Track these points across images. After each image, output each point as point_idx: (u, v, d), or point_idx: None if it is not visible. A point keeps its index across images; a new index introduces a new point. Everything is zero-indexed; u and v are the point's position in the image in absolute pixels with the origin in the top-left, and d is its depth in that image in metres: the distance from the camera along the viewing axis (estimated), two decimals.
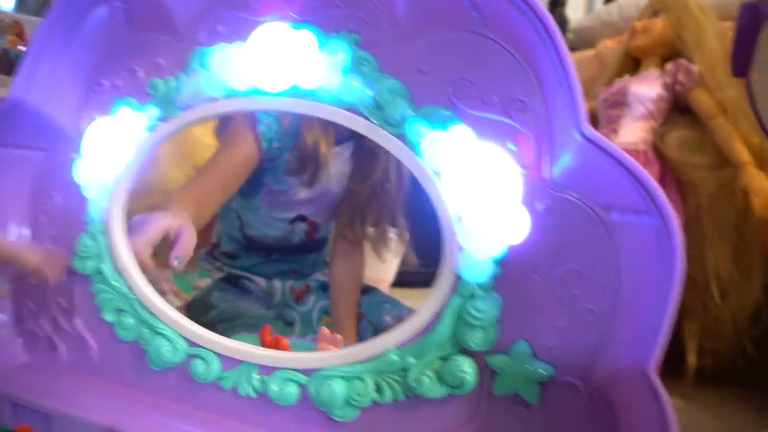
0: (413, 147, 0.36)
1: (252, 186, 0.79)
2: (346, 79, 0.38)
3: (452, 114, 0.35)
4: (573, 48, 1.77)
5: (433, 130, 0.35)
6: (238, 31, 0.42)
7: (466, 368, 0.34)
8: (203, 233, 0.98)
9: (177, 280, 0.82)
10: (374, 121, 0.37)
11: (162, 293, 0.47)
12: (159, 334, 0.45)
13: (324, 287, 0.83)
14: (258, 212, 0.82)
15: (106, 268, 0.47)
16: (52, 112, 0.47)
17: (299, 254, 0.88)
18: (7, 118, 0.46)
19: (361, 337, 0.77)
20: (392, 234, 0.96)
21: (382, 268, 1.22)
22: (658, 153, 1.14)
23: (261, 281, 0.84)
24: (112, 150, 0.46)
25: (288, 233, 0.82)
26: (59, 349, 0.49)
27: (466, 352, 0.35)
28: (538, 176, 0.33)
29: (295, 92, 0.39)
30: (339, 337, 0.50)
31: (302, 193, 0.81)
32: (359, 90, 0.37)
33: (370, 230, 0.84)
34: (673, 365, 1.24)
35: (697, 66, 1.13)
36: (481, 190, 0.34)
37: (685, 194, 1.12)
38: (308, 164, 0.78)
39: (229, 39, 0.42)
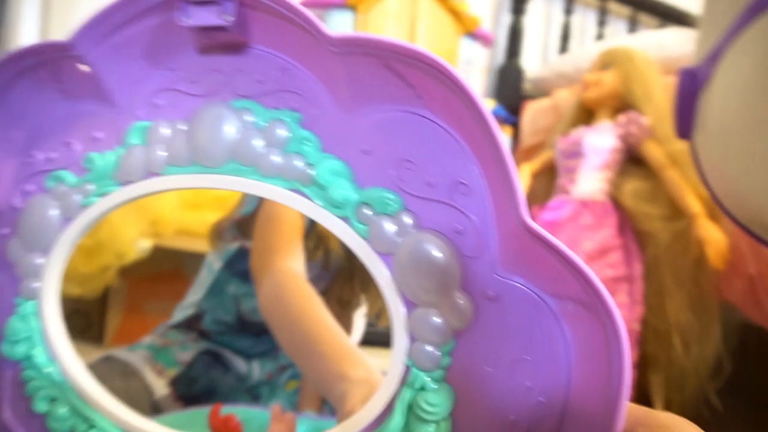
0: (359, 230, 0.34)
1: None
2: (288, 157, 0.37)
3: (396, 197, 0.34)
4: (530, 96, 1.82)
5: (378, 214, 0.34)
6: (178, 105, 0.40)
7: None
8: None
9: (160, 356, 0.81)
10: (317, 203, 0.35)
11: None
12: (94, 426, 0.41)
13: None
14: None
15: (38, 353, 0.43)
16: None
17: None
18: None
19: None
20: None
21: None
22: (615, 203, 1.17)
23: (241, 364, 0.83)
24: (45, 227, 0.44)
25: None
26: None
27: None
28: (483, 263, 0.32)
29: (235, 169, 0.38)
30: (290, 415, 0.47)
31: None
32: (301, 169, 0.36)
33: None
34: None
35: (647, 118, 1.17)
36: (427, 277, 0.33)
37: (644, 244, 1.14)
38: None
39: (167, 114, 0.41)
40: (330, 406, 0.76)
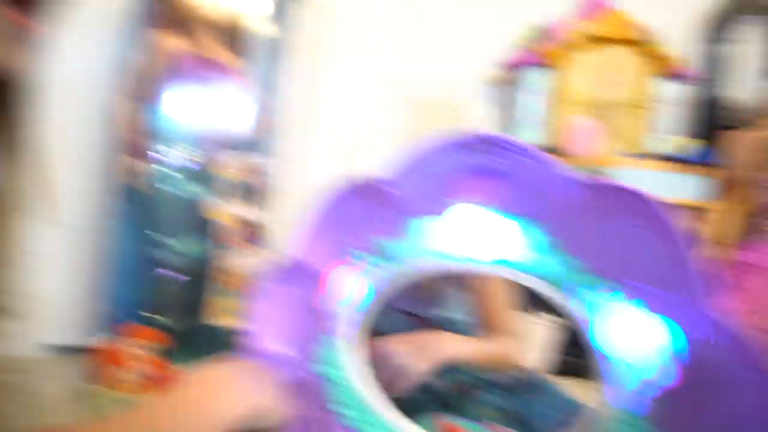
0: (585, 307, 0.48)
1: None
2: (541, 256, 0.51)
3: (620, 288, 0.47)
4: (732, 127, 1.73)
5: (607, 302, 0.47)
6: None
7: None
8: None
9: None
10: (563, 292, 0.50)
11: None
12: None
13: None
14: None
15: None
16: (310, 261, 0.67)
17: None
18: (288, 274, 0.66)
19: None
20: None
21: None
22: None
23: None
24: (351, 293, 0.64)
25: None
26: None
27: None
28: (689, 337, 0.43)
29: (500, 263, 0.54)
30: None
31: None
32: (551, 265, 0.51)
33: None
34: None
35: None
36: (640, 346, 0.45)
37: None
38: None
39: (446, 217, 0.58)
40: None
